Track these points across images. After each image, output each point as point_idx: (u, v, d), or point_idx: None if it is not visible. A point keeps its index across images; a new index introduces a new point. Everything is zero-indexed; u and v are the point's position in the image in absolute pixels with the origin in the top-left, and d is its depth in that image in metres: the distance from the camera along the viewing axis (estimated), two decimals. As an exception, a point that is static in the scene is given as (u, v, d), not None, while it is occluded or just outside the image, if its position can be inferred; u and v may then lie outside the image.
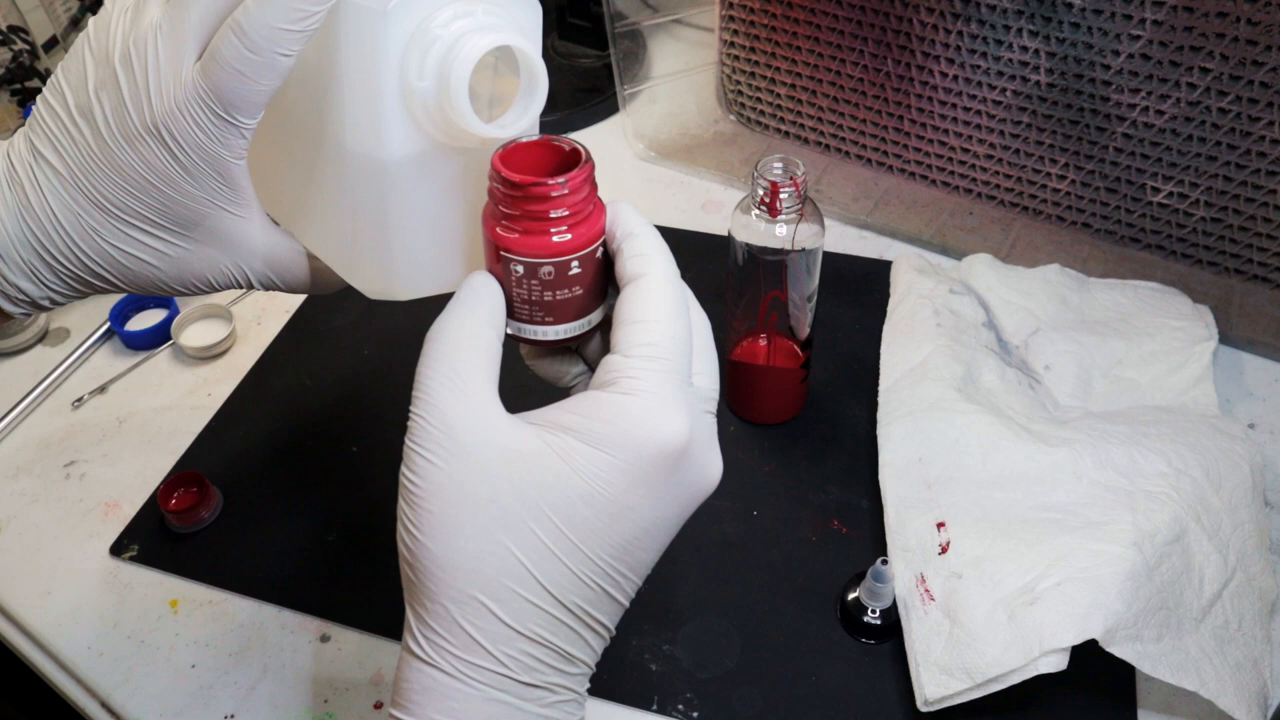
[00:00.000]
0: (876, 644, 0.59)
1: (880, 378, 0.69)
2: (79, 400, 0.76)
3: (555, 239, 0.37)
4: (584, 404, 0.35)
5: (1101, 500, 0.58)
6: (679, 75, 0.99)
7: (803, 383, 0.69)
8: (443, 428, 0.34)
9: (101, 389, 0.77)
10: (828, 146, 0.92)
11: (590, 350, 0.42)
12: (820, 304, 0.67)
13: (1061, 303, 0.74)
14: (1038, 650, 0.51)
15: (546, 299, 0.38)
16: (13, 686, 0.76)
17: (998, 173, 0.83)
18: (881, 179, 0.90)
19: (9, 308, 0.42)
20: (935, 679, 0.53)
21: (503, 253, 0.37)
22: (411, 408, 0.35)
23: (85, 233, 0.39)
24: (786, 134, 0.94)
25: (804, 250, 0.60)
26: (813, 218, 0.60)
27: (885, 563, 0.56)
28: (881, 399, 0.67)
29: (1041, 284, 0.75)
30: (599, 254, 0.38)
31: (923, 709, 0.54)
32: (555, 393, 0.41)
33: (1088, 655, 0.51)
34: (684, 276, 0.38)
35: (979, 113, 0.80)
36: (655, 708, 0.56)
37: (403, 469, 0.35)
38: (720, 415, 0.40)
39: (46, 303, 0.42)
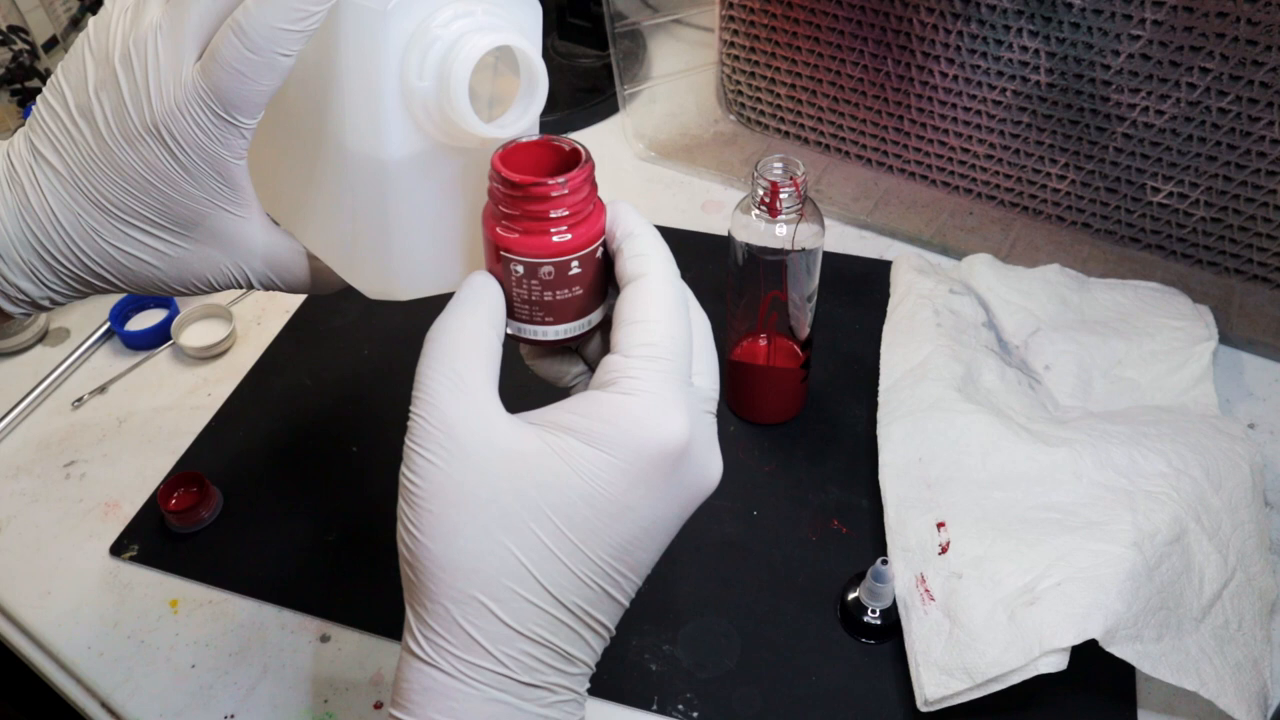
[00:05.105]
0: (876, 644, 0.59)
1: (880, 378, 0.69)
2: (79, 400, 0.76)
3: (555, 239, 0.37)
4: (584, 404, 0.35)
5: (1101, 500, 0.58)
6: (679, 75, 0.99)
7: (803, 383, 0.69)
8: (443, 428, 0.34)
9: (101, 389, 0.77)
10: (828, 146, 0.92)
11: (590, 350, 0.42)
12: (820, 304, 0.67)
13: (1061, 303, 0.74)
14: (1038, 650, 0.51)
15: (546, 299, 0.38)
16: (13, 686, 0.76)
17: (998, 173, 0.83)
18: (881, 179, 0.90)
19: (9, 308, 0.42)
20: (935, 679, 0.53)
21: (503, 253, 0.37)
22: (411, 408, 0.35)
23: (85, 233, 0.39)
24: (786, 134, 0.94)
25: (804, 250, 0.60)
26: (813, 218, 0.60)
27: (885, 563, 0.56)
28: (881, 399, 0.67)
29: (1041, 284, 0.75)
30: (599, 254, 0.38)
31: (923, 709, 0.54)
32: (555, 393, 0.41)
33: (1088, 655, 0.51)
34: (684, 276, 0.38)
35: (979, 113, 0.80)
36: (655, 708, 0.56)
37: (403, 469, 0.35)
38: (720, 415, 0.40)
39: (46, 303, 0.42)
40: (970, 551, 0.57)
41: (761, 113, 0.95)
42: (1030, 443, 0.62)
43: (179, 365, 0.79)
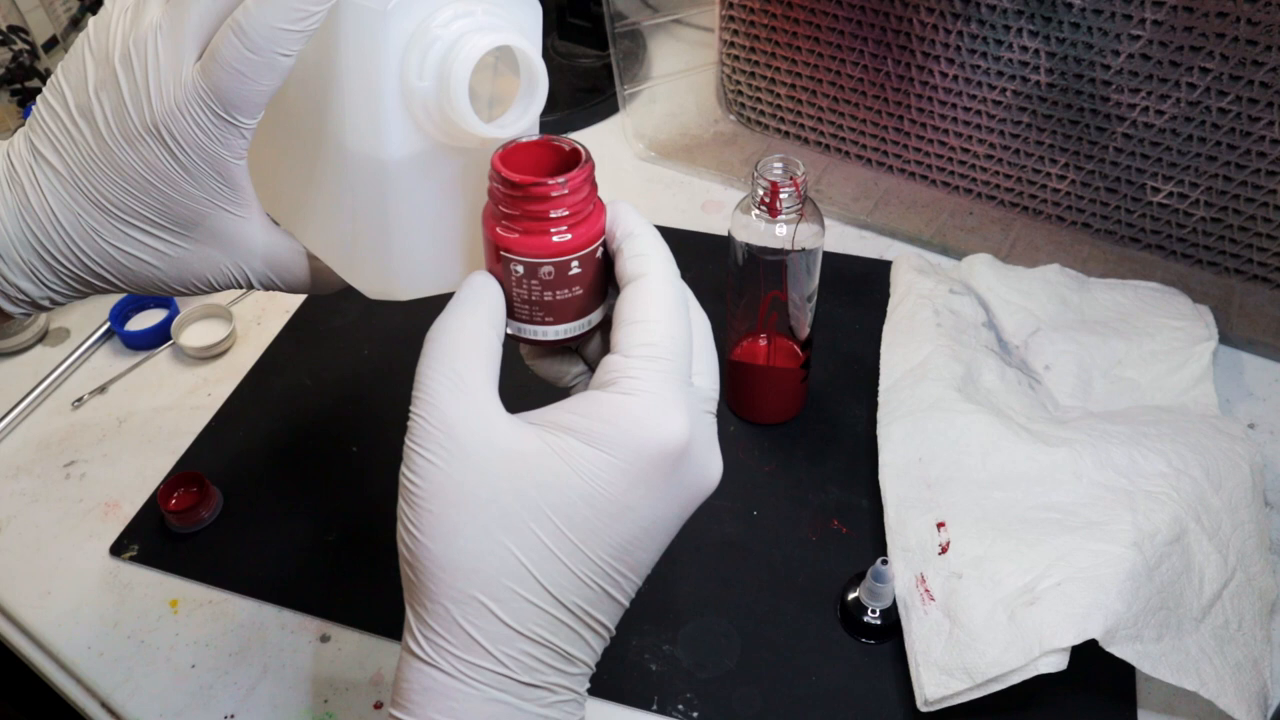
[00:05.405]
0: (876, 644, 0.59)
1: (880, 378, 0.69)
2: (79, 400, 0.76)
3: (555, 239, 0.37)
4: (584, 404, 0.35)
5: (1101, 500, 0.58)
6: (679, 75, 0.99)
7: (803, 383, 0.69)
8: (443, 428, 0.34)
9: (101, 389, 0.77)
10: (828, 146, 0.92)
11: (590, 350, 0.42)
12: (820, 304, 0.67)
13: (1061, 303, 0.74)
14: (1038, 650, 0.51)
15: (546, 299, 0.38)
16: (13, 686, 0.76)
17: (998, 173, 0.83)
18: (881, 179, 0.90)
19: (9, 308, 0.42)
20: (935, 679, 0.53)
21: (503, 253, 0.37)
22: (411, 408, 0.35)
23: (85, 233, 0.39)
24: (786, 134, 0.94)
25: (804, 250, 0.60)
26: (813, 218, 0.60)
27: (885, 563, 0.56)
28: (881, 399, 0.67)
29: (1041, 284, 0.75)
30: (599, 254, 0.38)
31: (923, 709, 0.54)
32: (555, 393, 0.41)
33: (1088, 655, 0.51)
34: (684, 276, 0.38)
35: (979, 113, 0.80)
36: (655, 708, 0.56)
37: (403, 469, 0.35)
38: (720, 415, 0.40)
39: (46, 303, 0.42)
40: (970, 551, 0.57)
41: (761, 113, 0.95)
42: (1030, 443, 0.62)
43: (179, 365, 0.79)
